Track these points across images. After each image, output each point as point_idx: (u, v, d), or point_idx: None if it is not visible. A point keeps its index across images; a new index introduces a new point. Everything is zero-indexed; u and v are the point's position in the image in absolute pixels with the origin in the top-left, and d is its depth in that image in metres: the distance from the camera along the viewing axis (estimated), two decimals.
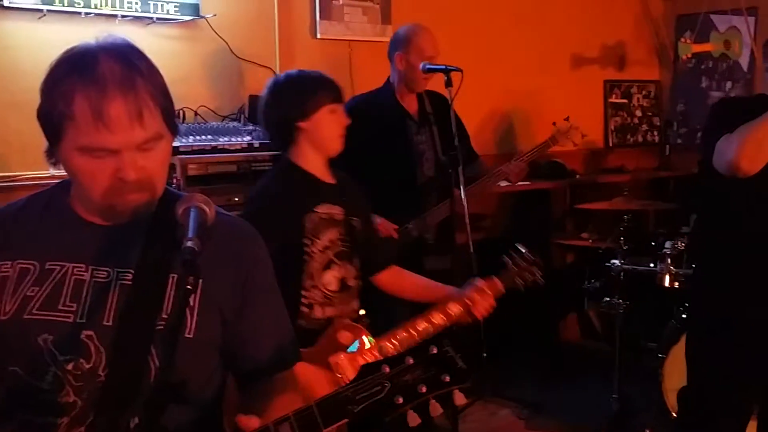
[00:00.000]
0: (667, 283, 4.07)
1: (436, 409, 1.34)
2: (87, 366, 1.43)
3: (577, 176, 5.52)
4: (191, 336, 1.47)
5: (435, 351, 1.33)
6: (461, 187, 3.37)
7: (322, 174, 2.61)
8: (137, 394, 1.41)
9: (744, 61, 5.77)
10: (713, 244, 2.92)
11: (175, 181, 3.32)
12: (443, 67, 3.56)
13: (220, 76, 3.99)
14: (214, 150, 3.53)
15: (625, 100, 6.25)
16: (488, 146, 5.25)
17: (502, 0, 5.32)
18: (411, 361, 1.32)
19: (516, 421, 4.38)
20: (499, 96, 5.31)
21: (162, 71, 1.50)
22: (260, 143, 3.61)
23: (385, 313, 2.74)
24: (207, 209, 1.41)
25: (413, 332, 2.50)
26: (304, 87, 2.57)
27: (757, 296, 2.77)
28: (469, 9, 5.08)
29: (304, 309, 2.51)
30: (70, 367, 1.43)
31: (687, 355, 3.00)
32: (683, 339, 3.70)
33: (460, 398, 1.35)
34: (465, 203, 3.36)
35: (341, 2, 4.41)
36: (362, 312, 2.68)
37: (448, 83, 3.47)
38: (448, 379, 1.32)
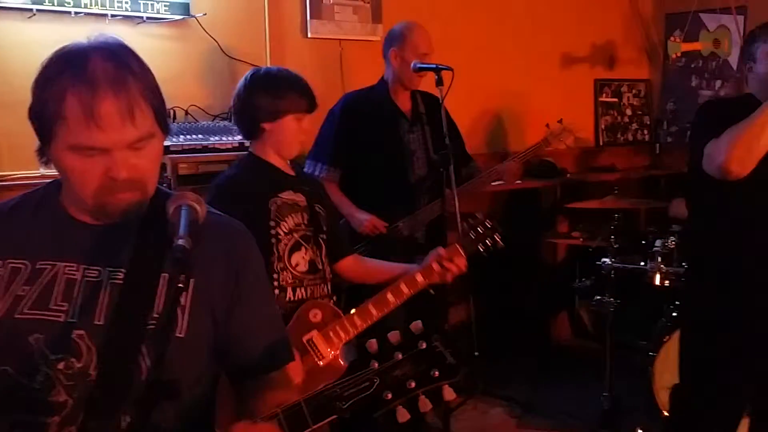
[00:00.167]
0: (657, 282, 4.08)
1: (425, 404, 1.34)
2: (78, 365, 1.43)
3: (568, 175, 5.53)
4: (182, 335, 1.47)
5: (424, 346, 1.33)
6: (453, 186, 3.38)
7: (283, 166, 2.69)
8: (128, 393, 1.41)
9: (734, 60, 5.79)
10: (704, 243, 2.93)
11: (165, 180, 3.31)
12: (434, 66, 3.57)
13: (210, 76, 3.99)
14: (205, 149, 3.52)
15: (615, 99, 6.27)
16: (479, 146, 5.26)
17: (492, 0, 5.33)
18: (400, 356, 1.32)
19: (508, 419, 4.39)
20: (489, 95, 5.32)
21: (152, 71, 1.50)
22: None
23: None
24: (198, 208, 1.41)
25: (384, 303, 2.58)
26: (277, 90, 2.61)
27: (748, 295, 2.78)
28: (460, 8, 5.09)
29: (276, 291, 2.54)
30: (61, 366, 1.43)
31: (680, 354, 3.01)
32: (674, 337, 3.72)
33: (449, 393, 1.35)
34: (456, 202, 3.37)
35: (332, 1, 4.41)
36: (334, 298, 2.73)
37: (439, 82, 3.48)
38: (437, 374, 1.32)
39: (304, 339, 2.50)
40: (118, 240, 1.50)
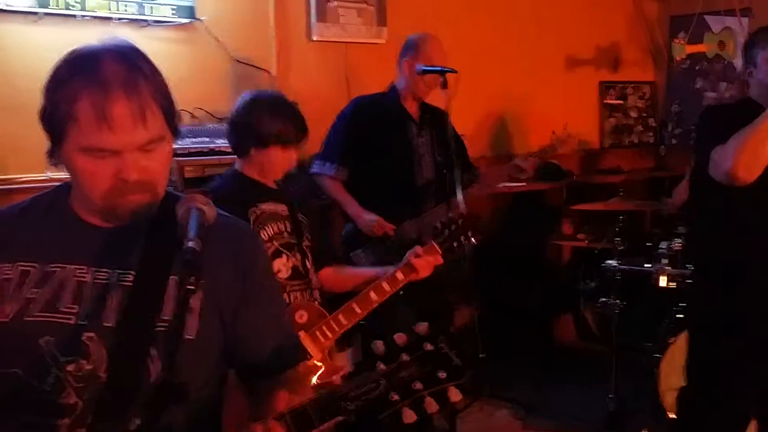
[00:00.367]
0: (662, 283, 4.08)
1: (431, 405, 1.34)
2: (88, 367, 1.44)
3: (573, 177, 5.53)
4: (192, 337, 1.47)
5: (430, 348, 1.33)
6: (458, 188, 3.41)
7: (265, 181, 2.75)
8: (138, 394, 1.42)
9: (738, 62, 5.78)
10: (710, 247, 2.93)
11: (171, 183, 3.32)
12: (439, 68, 3.59)
13: (216, 79, 4.00)
14: (211, 152, 3.53)
15: (620, 101, 6.27)
16: (484, 148, 5.27)
17: (497, 2, 5.33)
18: (406, 358, 1.33)
19: (513, 421, 4.38)
20: (494, 98, 5.33)
21: None
22: None
23: (386, 312, 2.76)
24: (207, 210, 1.42)
25: (367, 302, 2.63)
26: (269, 119, 2.66)
27: (754, 300, 2.78)
28: (465, 11, 5.09)
29: None
30: (71, 368, 1.43)
31: (687, 356, 3.01)
32: (679, 339, 3.72)
33: (455, 395, 1.35)
34: (463, 204, 3.40)
35: (336, 4, 4.42)
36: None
37: (444, 85, 3.51)
38: (443, 375, 1.33)
39: None
40: (128, 242, 1.50)
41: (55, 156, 1.47)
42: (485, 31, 5.21)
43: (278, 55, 4.21)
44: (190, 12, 3.78)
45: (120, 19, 3.55)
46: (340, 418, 1.32)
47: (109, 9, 3.49)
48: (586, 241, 4.98)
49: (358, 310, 2.62)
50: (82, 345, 1.44)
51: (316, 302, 2.70)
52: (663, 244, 4.10)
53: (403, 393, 1.32)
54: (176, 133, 1.51)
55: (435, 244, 2.78)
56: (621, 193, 4.50)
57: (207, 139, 3.57)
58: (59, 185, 1.59)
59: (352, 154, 3.70)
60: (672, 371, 3.67)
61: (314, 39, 4.39)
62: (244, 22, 4.11)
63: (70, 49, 1.45)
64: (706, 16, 5.88)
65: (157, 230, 1.52)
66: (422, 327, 1.36)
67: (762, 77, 2.76)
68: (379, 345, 1.34)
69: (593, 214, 4.80)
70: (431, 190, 3.80)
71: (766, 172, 2.57)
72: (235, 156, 2.82)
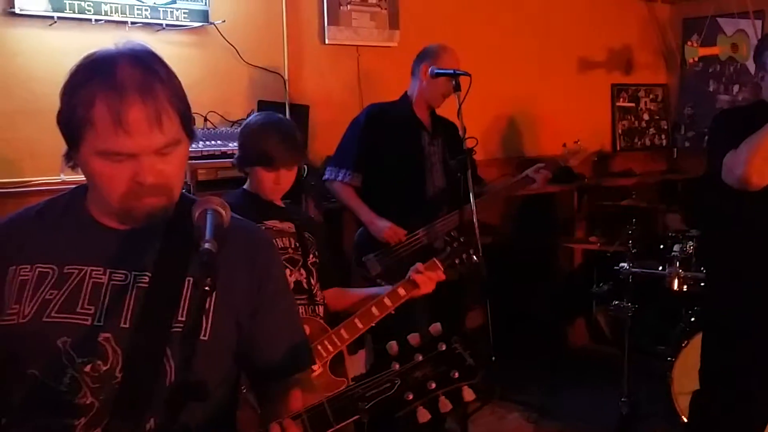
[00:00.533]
0: (675, 287, 4.07)
1: (445, 405, 1.35)
2: (104, 368, 1.44)
3: (585, 180, 5.52)
4: (206, 338, 1.48)
5: (444, 348, 1.34)
6: (470, 193, 3.42)
7: (272, 199, 2.77)
8: (153, 395, 1.43)
9: (752, 65, 5.74)
10: (724, 251, 2.92)
11: (185, 186, 3.34)
12: (452, 71, 3.60)
13: (229, 82, 4.02)
14: (224, 155, 3.55)
15: (632, 104, 6.26)
16: (495, 150, 5.28)
17: (509, 5, 5.34)
18: (420, 358, 1.34)
19: (525, 424, 4.38)
20: (505, 101, 5.33)
21: None
22: None
23: (399, 314, 2.77)
24: (223, 212, 1.43)
25: (369, 317, 2.65)
26: (254, 143, 2.69)
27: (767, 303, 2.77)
28: (476, 14, 5.10)
29: None
30: (87, 369, 1.44)
31: (702, 358, 3.00)
32: (692, 342, 3.72)
33: (469, 394, 1.36)
34: (474, 211, 3.41)
35: (349, 8, 4.44)
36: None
37: (457, 87, 3.52)
38: (457, 375, 1.34)
39: None
40: (144, 244, 1.52)
41: (71, 159, 1.48)
42: (497, 34, 5.22)
43: (291, 58, 4.23)
44: (204, 16, 3.81)
45: (134, 23, 3.58)
46: (357, 417, 1.33)
47: (124, 13, 3.52)
48: (599, 244, 4.97)
49: (360, 325, 2.65)
50: (98, 346, 1.45)
51: (319, 317, 2.71)
52: (676, 247, 4.09)
53: (417, 392, 1.33)
54: (192, 137, 1.52)
55: (437, 261, 2.79)
56: (633, 196, 4.49)
57: (219, 143, 3.59)
58: (75, 188, 1.60)
59: (365, 160, 3.72)
60: (685, 375, 3.67)
61: (327, 42, 4.41)
62: (257, 25, 4.13)
63: (85, 53, 1.46)
64: (718, 19, 5.86)
65: (172, 232, 1.53)
66: (436, 327, 1.38)
67: None
68: (393, 345, 1.35)
69: (606, 217, 4.80)
70: (443, 198, 3.82)
71: None
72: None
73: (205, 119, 3.80)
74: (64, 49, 3.43)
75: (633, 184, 5.49)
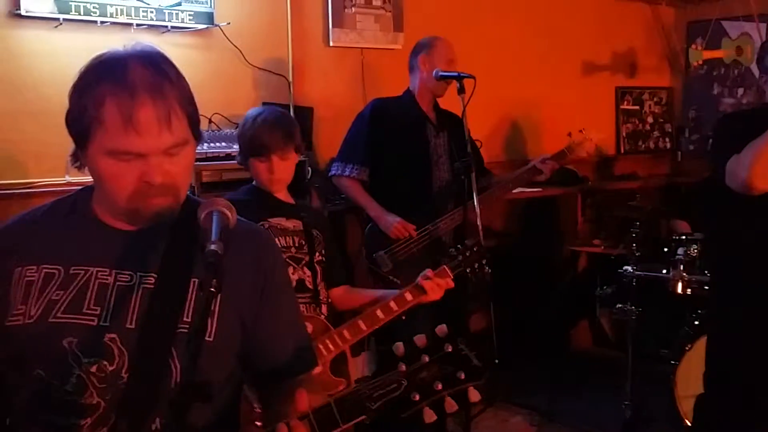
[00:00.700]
0: (679, 290, 4.07)
1: (451, 406, 1.36)
2: (110, 368, 1.45)
3: (589, 183, 5.53)
4: (211, 339, 1.49)
5: (450, 349, 1.35)
6: (474, 195, 3.42)
7: (280, 194, 2.78)
8: (159, 395, 1.44)
9: (756, 68, 5.76)
10: (729, 255, 2.92)
11: (189, 187, 3.35)
12: (456, 74, 3.62)
13: (233, 84, 4.03)
14: (228, 157, 3.56)
15: (636, 107, 6.26)
16: (500, 153, 5.28)
17: (513, 8, 5.34)
18: (427, 359, 1.35)
19: (528, 428, 4.38)
20: (510, 103, 5.34)
21: None
22: None
23: (406, 318, 2.78)
24: (229, 214, 1.43)
25: (373, 319, 2.65)
26: (245, 137, 2.73)
27: None
28: (481, 17, 5.11)
29: None
30: (93, 369, 1.45)
31: (707, 363, 3.00)
32: (696, 345, 3.71)
33: (474, 395, 1.37)
34: (478, 210, 3.41)
35: (354, 10, 4.45)
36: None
37: (461, 90, 3.53)
38: (463, 376, 1.35)
39: None
40: (149, 245, 1.52)
41: (78, 159, 1.49)
42: (501, 37, 5.23)
43: (295, 60, 4.24)
44: (209, 18, 3.82)
45: (139, 25, 3.59)
46: (364, 417, 1.34)
47: (129, 15, 3.53)
48: (603, 247, 4.97)
49: (364, 327, 2.64)
50: (104, 346, 1.46)
51: (322, 316, 2.71)
52: (680, 250, 4.08)
53: (424, 393, 1.34)
54: (199, 138, 1.53)
55: (447, 268, 2.79)
56: (637, 199, 4.49)
57: (224, 144, 3.60)
58: (81, 189, 1.61)
59: (373, 153, 3.73)
60: (689, 378, 3.66)
61: (331, 44, 4.42)
62: (262, 27, 4.14)
63: (90, 55, 1.47)
64: (723, 22, 5.87)
65: (178, 233, 1.54)
66: (442, 329, 1.38)
67: None
68: (399, 346, 1.36)
69: (610, 219, 4.80)
70: (449, 191, 3.82)
71: None
72: None
73: (210, 121, 3.80)
74: (69, 51, 3.44)
75: (637, 188, 5.49)
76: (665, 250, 4.25)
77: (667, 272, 4.12)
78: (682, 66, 6.32)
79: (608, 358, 5.18)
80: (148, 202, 1.45)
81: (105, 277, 1.50)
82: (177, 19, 3.70)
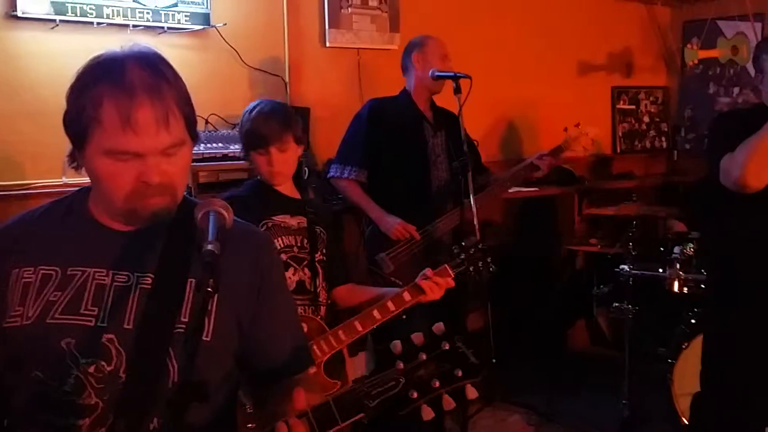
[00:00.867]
0: (676, 289, 4.08)
1: (449, 403, 1.37)
2: (108, 368, 1.46)
3: (586, 182, 5.53)
4: (208, 339, 1.50)
5: (447, 347, 1.36)
6: (471, 195, 3.43)
7: (286, 190, 2.74)
8: (156, 395, 1.44)
9: (751, 67, 5.76)
10: (725, 253, 2.93)
11: (186, 188, 3.35)
12: (452, 74, 3.61)
13: (230, 85, 4.04)
14: (225, 157, 3.57)
15: (632, 107, 6.27)
16: (496, 153, 5.29)
17: (510, 8, 5.35)
18: (424, 357, 1.35)
19: (525, 427, 4.38)
20: (506, 103, 5.34)
21: None
22: None
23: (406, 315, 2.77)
24: (226, 214, 1.44)
25: (370, 320, 2.60)
26: (244, 130, 2.70)
27: None
28: (477, 17, 5.12)
29: None
30: (91, 369, 1.45)
31: (703, 361, 3.01)
32: (693, 344, 3.72)
33: (472, 392, 1.38)
34: (475, 210, 3.41)
35: (350, 11, 4.45)
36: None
37: (457, 90, 3.52)
38: (460, 373, 1.35)
39: None
40: (146, 245, 1.53)
41: (75, 159, 1.49)
42: (497, 37, 5.23)
43: (292, 61, 4.25)
44: (205, 19, 3.82)
45: (136, 26, 3.59)
46: (363, 415, 1.34)
47: (125, 16, 3.53)
48: (599, 247, 4.98)
49: (360, 328, 2.59)
50: (102, 347, 1.46)
51: (319, 317, 2.68)
52: (676, 249, 4.10)
53: (422, 391, 1.35)
54: (196, 138, 1.54)
55: (448, 267, 2.74)
56: (634, 199, 4.50)
57: (221, 145, 3.61)
58: (77, 190, 1.61)
59: (370, 155, 3.72)
60: (686, 377, 3.67)
61: (327, 45, 4.43)
62: (258, 28, 4.15)
63: (87, 56, 1.48)
64: (718, 21, 5.88)
65: (175, 233, 1.54)
66: (439, 327, 1.39)
67: (767, 84, 2.77)
68: (397, 345, 1.37)
69: (606, 219, 4.81)
70: (448, 191, 3.82)
71: None
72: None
73: (207, 122, 3.81)
74: (65, 52, 3.44)
75: (633, 187, 5.49)
76: (661, 249, 4.27)
77: (664, 271, 4.14)
78: (678, 65, 6.34)
79: (605, 357, 5.19)
80: (145, 202, 1.46)
81: (102, 277, 1.50)
82: (173, 20, 3.70)
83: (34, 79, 3.41)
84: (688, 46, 5.88)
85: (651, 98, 6.41)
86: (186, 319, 1.48)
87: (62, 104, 1.46)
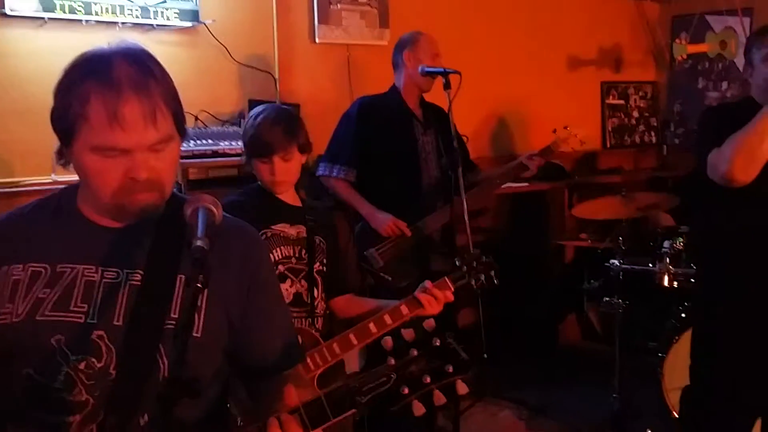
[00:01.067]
0: (666, 283, 4.09)
1: (439, 398, 1.38)
2: (98, 365, 1.46)
3: (576, 177, 5.54)
4: (198, 335, 1.50)
5: (438, 343, 1.36)
6: (461, 191, 3.42)
7: (286, 197, 2.69)
8: (147, 392, 1.44)
9: (740, 61, 5.79)
10: (715, 248, 2.94)
11: (175, 185, 3.34)
12: (442, 69, 3.60)
13: (219, 81, 4.03)
14: (215, 154, 3.56)
15: (622, 101, 6.29)
16: (486, 148, 5.29)
17: (499, 4, 5.35)
18: (415, 353, 1.36)
19: (517, 422, 4.39)
20: (496, 99, 5.35)
21: None
22: None
23: None
24: (215, 210, 1.44)
25: (365, 333, 2.54)
26: (247, 136, 2.63)
27: (760, 300, 2.79)
28: (466, 13, 5.12)
29: None
30: (82, 366, 1.45)
31: (691, 356, 3.02)
32: (683, 338, 3.73)
33: (462, 388, 1.39)
34: (465, 207, 3.41)
35: (339, 7, 4.44)
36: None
37: (447, 86, 3.52)
38: (451, 369, 1.36)
39: None
40: (135, 242, 1.53)
41: (64, 156, 1.49)
42: (487, 33, 5.24)
43: (281, 57, 4.24)
44: (194, 16, 3.81)
45: (124, 23, 3.58)
46: (354, 411, 1.35)
47: (114, 13, 3.52)
48: (589, 241, 4.99)
49: (355, 342, 2.53)
50: (92, 343, 1.46)
51: (314, 329, 2.63)
52: (666, 244, 4.11)
53: (413, 386, 1.36)
54: (184, 134, 1.54)
55: (448, 280, 2.67)
56: (623, 193, 4.50)
57: (210, 142, 3.60)
58: (66, 187, 1.61)
59: (360, 154, 3.71)
60: (676, 370, 3.69)
61: (317, 41, 4.42)
62: (248, 25, 4.14)
63: (75, 53, 1.48)
64: (707, 16, 5.90)
65: (163, 230, 1.54)
66: (429, 323, 1.39)
67: (757, 78, 2.78)
68: (388, 341, 1.37)
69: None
70: (438, 188, 3.82)
71: (764, 171, 2.58)
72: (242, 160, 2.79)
73: (196, 118, 3.80)
74: (54, 50, 3.43)
75: (623, 182, 5.51)
76: (651, 243, 4.28)
77: (654, 265, 4.14)
78: (667, 60, 6.35)
79: (596, 351, 5.20)
80: (133, 198, 1.46)
81: (91, 274, 1.50)
82: (162, 17, 3.69)
83: (22, 76, 3.40)
84: (677, 40, 5.90)
85: (640, 93, 6.43)
86: (176, 316, 1.49)
87: (51, 101, 1.46)
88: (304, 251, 2.65)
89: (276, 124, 2.58)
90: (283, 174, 2.60)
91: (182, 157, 3.32)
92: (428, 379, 1.35)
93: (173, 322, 1.48)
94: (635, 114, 6.39)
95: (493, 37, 5.28)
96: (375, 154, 3.71)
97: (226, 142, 3.63)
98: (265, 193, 2.66)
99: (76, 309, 1.48)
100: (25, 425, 1.47)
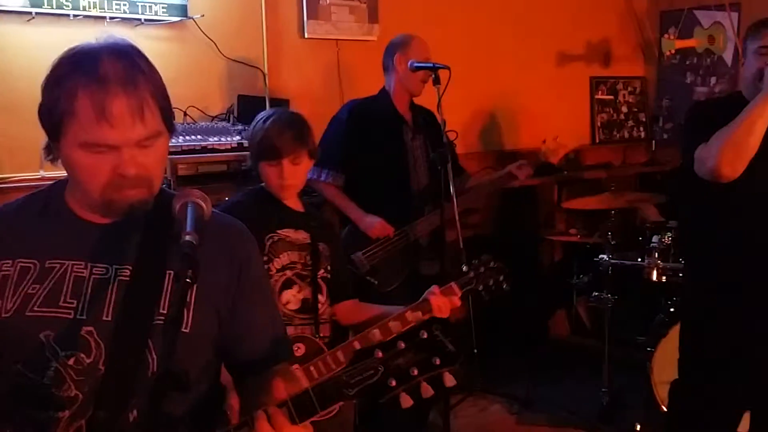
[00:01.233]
0: (654, 277, 4.11)
1: (427, 391, 1.38)
2: (87, 361, 1.46)
3: (565, 173, 5.55)
4: (187, 330, 1.50)
5: (425, 335, 1.37)
6: (451, 189, 3.41)
7: (290, 202, 2.67)
8: (136, 387, 1.44)
9: (728, 56, 5.83)
10: (702, 243, 2.95)
11: (165, 180, 3.33)
12: (431, 64, 3.61)
13: (208, 77, 4.02)
14: (204, 150, 3.55)
15: (611, 97, 6.30)
16: (475, 144, 5.29)
17: None
18: (403, 345, 1.37)
19: (507, 416, 4.41)
20: (485, 94, 5.35)
21: None
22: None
23: (381, 303, 2.75)
24: (204, 205, 1.44)
25: (369, 341, 2.46)
26: (255, 139, 2.62)
27: (747, 294, 2.80)
28: (456, 8, 5.11)
29: None
30: (71, 362, 1.46)
31: (679, 350, 3.03)
32: (671, 332, 3.75)
33: (450, 380, 1.39)
34: (455, 200, 3.41)
35: (328, 2, 4.44)
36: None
37: (436, 81, 3.52)
38: (438, 361, 1.37)
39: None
40: (124, 238, 1.53)
41: (52, 152, 1.49)
42: (476, 28, 5.23)
43: (270, 52, 4.23)
44: (183, 10, 3.80)
45: (112, 18, 3.56)
46: (341, 402, 1.35)
47: (102, 8, 3.50)
48: (579, 236, 5.00)
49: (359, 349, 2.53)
50: (81, 339, 1.46)
51: (319, 337, 2.60)
52: (655, 239, 4.13)
53: (400, 379, 1.36)
54: (172, 130, 1.54)
55: (455, 286, 2.67)
56: (612, 189, 4.52)
57: (200, 137, 3.59)
58: (54, 183, 1.61)
59: (349, 158, 3.70)
60: (665, 364, 3.70)
61: (306, 36, 4.41)
62: (236, 20, 4.13)
63: (63, 48, 1.47)
64: (695, 11, 5.91)
65: (152, 225, 1.54)
66: (416, 316, 1.40)
67: (746, 70, 2.79)
68: (375, 333, 1.38)
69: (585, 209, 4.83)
70: (427, 194, 3.81)
71: (750, 166, 2.59)
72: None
73: (185, 114, 3.79)
74: (42, 45, 3.41)
75: (612, 177, 5.52)
76: (640, 238, 4.30)
77: (643, 260, 4.16)
78: (656, 55, 6.36)
79: (585, 345, 5.22)
80: (121, 194, 1.46)
81: (81, 270, 1.50)
82: (150, 11, 3.67)
83: (9, 71, 3.38)
84: (665, 36, 5.91)
85: (629, 88, 6.44)
86: (165, 311, 1.49)
87: (38, 97, 1.46)
88: (308, 257, 2.63)
89: (287, 128, 2.57)
90: (292, 178, 2.59)
91: (171, 153, 3.36)
92: (415, 372, 1.35)
93: (162, 318, 1.48)
94: (624, 109, 6.40)
95: (482, 32, 5.28)
96: (364, 158, 3.69)
97: (215, 138, 3.62)
98: (269, 197, 2.64)
99: (65, 305, 1.48)
100: (14, 421, 1.47)
